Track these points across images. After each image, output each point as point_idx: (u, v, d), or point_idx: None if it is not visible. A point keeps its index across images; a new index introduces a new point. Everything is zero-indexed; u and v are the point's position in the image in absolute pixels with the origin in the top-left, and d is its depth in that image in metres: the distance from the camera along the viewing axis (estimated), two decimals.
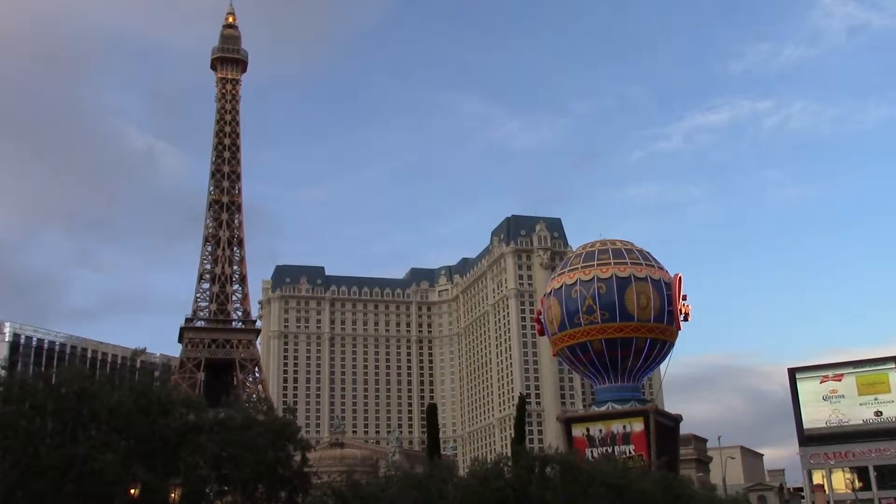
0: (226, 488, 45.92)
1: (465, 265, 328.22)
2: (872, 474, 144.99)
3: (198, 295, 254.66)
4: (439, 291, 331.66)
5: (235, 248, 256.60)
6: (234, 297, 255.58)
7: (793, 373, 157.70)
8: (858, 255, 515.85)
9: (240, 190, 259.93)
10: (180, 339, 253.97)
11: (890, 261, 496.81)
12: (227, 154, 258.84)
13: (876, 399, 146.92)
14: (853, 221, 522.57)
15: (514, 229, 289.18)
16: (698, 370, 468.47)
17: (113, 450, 33.58)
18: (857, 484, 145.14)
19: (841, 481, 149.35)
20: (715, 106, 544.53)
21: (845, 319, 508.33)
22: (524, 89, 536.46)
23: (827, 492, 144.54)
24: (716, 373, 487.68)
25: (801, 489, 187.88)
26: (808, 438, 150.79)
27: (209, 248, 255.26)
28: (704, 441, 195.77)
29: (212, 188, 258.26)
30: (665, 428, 77.45)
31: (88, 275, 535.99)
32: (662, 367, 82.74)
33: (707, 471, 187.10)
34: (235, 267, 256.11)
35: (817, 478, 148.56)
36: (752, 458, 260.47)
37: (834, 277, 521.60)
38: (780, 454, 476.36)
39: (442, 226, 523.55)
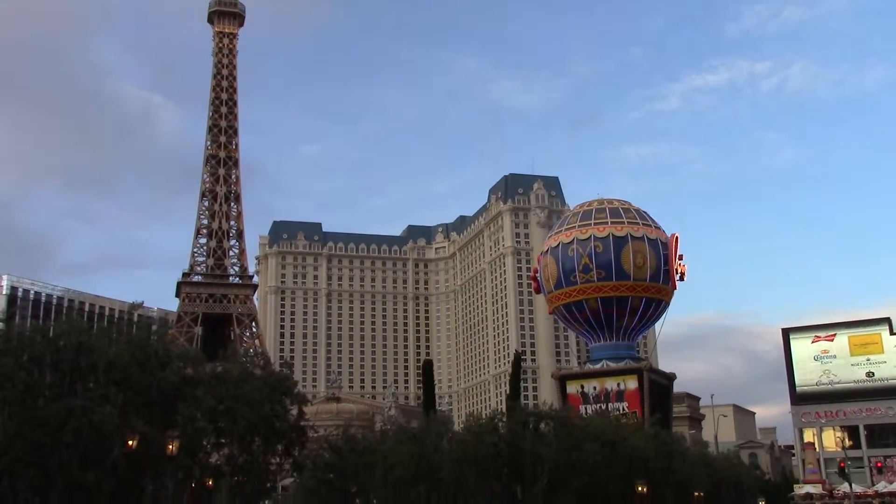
0: (223, 441, 46.25)
1: (462, 223, 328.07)
2: (863, 433, 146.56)
3: (195, 250, 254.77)
4: (436, 249, 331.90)
5: (232, 203, 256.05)
6: (231, 253, 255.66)
7: (786, 333, 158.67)
8: (854, 217, 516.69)
9: (237, 145, 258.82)
10: (177, 294, 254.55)
11: (886, 223, 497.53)
12: (224, 108, 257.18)
13: (868, 360, 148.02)
14: (850, 184, 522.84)
15: (512, 187, 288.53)
16: (692, 329, 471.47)
17: (111, 402, 33.76)
18: (848, 442, 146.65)
19: (831, 440, 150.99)
20: (713, 67, 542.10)
21: (839, 280, 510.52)
22: (523, 49, 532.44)
23: (817, 450, 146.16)
24: (710, 332, 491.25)
25: (791, 447, 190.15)
26: (800, 397, 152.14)
27: (206, 204, 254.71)
28: (697, 399, 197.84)
29: (209, 143, 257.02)
30: (658, 386, 78.06)
31: (86, 230, 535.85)
32: (657, 325, 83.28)
33: (699, 428, 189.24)
34: (232, 222, 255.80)
35: (808, 436, 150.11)
36: (743, 416, 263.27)
37: (829, 239, 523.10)
38: (772, 413, 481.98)
39: (439, 183, 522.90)
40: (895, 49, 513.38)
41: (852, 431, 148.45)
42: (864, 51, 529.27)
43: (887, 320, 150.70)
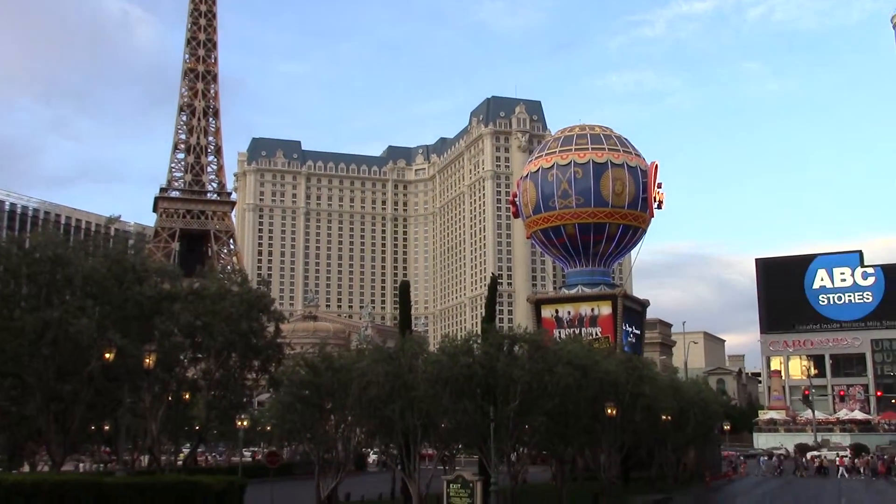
0: (199, 356, 46.58)
1: (442, 145, 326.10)
2: (828, 362, 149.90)
3: (172, 165, 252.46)
4: (416, 170, 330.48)
5: (211, 119, 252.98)
6: (209, 169, 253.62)
7: (760, 263, 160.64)
8: (833, 151, 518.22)
9: (216, 59, 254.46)
10: (155, 209, 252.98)
11: (864, 158, 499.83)
12: (202, 21, 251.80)
13: (837, 291, 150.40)
14: (830, 117, 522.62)
15: (494, 111, 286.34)
16: (668, 258, 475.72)
17: (88, 315, 33.74)
18: (813, 371, 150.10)
19: (797, 368, 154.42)
20: None
21: (815, 213, 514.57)
22: None
23: (783, 377, 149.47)
24: (684, 261, 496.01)
25: (758, 374, 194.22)
26: (769, 326, 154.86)
27: (184, 118, 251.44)
28: (669, 326, 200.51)
29: (187, 56, 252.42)
30: (632, 312, 78.98)
31: (63, 143, 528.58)
32: (633, 253, 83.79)
33: (670, 354, 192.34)
34: (211, 138, 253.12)
35: (775, 364, 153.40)
36: (714, 343, 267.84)
37: (805, 171, 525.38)
38: (742, 341, 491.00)
39: (421, 105, 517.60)
40: None
41: (818, 360, 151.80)
42: None
43: (859, 253, 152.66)
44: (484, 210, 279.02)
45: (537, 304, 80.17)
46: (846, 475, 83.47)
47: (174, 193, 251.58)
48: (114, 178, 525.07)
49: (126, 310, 37.17)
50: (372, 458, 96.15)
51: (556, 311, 77.46)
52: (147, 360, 35.63)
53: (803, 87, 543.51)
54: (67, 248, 37.63)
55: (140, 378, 38.53)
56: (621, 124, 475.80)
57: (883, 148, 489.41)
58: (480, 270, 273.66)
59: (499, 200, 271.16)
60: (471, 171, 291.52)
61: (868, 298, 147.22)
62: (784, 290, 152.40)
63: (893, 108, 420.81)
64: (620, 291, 76.86)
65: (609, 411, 49.48)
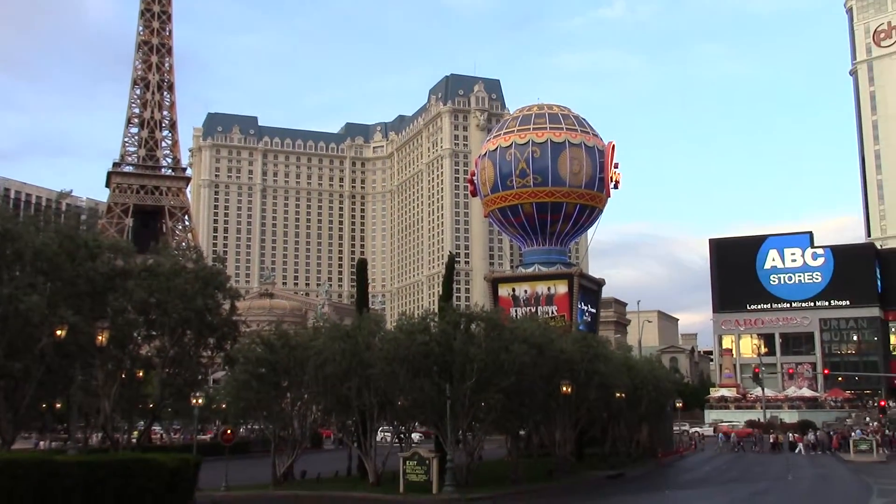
0: (154, 333, 46.10)
1: (401, 122, 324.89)
2: (778, 341, 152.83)
3: (126, 140, 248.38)
4: (374, 147, 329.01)
5: (165, 93, 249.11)
6: (163, 144, 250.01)
7: (713, 243, 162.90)
8: (787, 133, 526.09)
9: (171, 31, 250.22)
10: (108, 184, 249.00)
11: (817, 140, 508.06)
12: None
13: (788, 271, 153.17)
14: (784, 99, 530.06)
15: (453, 88, 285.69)
16: (624, 238, 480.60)
17: (39, 292, 33.16)
18: (763, 349, 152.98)
19: (748, 347, 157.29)
20: None
21: (769, 195, 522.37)
22: None
23: (734, 355, 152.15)
24: (640, 241, 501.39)
25: (710, 353, 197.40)
26: (722, 305, 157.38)
27: (138, 92, 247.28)
28: (624, 305, 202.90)
29: (141, 28, 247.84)
30: (588, 291, 79.71)
31: (10, 116, 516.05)
32: (589, 232, 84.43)
33: (625, 333, 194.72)
34: (165, 112, 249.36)
35: (727, 343, 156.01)
36: (667, 322, 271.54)
37: (760, 153, 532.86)
38: (695, 320, 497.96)
39: (379, 82, 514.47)
40: None
41: (768, 339, 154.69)
42: None
43: (809, 234, 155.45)
44: (442, 188, 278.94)
45: (494, 282, 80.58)
46: (802, 452, 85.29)
47: (128, 168, 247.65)
48: (65, 153, 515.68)
49: (78, 286, 36.59)
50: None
51: (513, 290, 77.92)
52: (100, 338, 35.14)
53: (758, 68, 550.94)
54: (17, 222, 36.88)
55: (93, 355, 38.03)
56: (579, 104, 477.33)
57: (835, 130, 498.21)
58: (438, 249, 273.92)
59: (457, 179, 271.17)
60: (429, 149, 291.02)
61: (817, 279, 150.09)
62: (736, 270, 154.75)
63: (846, 90, 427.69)
64: (577, 271, 77.51)
65: (564, 389, 50.00)
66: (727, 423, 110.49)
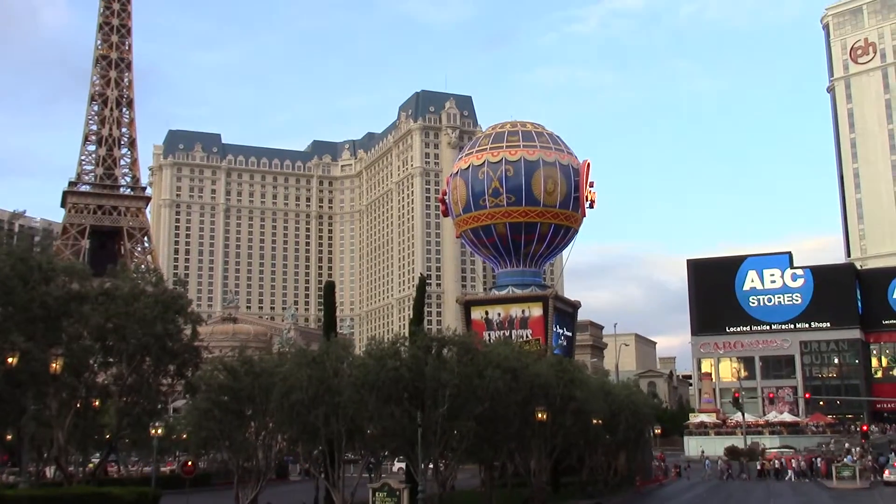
0: (111, 360, 45.54)
1: (370, 140, 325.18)
2: (758, 365, 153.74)
3: (83, 158, 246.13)
4: (342, 166, 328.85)
5: (124, 109, 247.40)
6: (122, 162, 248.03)
7: (691, 264, 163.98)
8: (764, 152, 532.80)
9: (130, 45, 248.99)
10: (63, 204, 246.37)
11: (795, 159, 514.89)
12: (116, 5, 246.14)
13: (767, 293, 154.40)
14: (761, 118, 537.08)
15: (423, 105, 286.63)
16: (599, 259, 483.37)
17: None
18: (743, 373, 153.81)
19: (728, 370, 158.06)
20: None
21: (745, 214, 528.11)
22: None
23: (714, 380, 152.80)
24: (616, 262, 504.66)
25: (689, 377, 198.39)
26: (700, 328, 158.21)
27: (96, 108, 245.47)
28: (601, 328, 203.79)
29: (99, 42, 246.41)
30: (563, 313, 79.92)
31: None
32: (564, 253, 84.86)
33: (601, 357, 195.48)
34: (124, 129, 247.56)
35: (706, 366, 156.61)
36: (645, 345, 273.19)
37: (738, 172, 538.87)
38: (673, 343, 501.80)
39: (347, 98, 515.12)
40: None
41: (748, 363, 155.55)
42: None
43: (788, 254, 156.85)
44: (412, 208, 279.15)
45: (467, 305, 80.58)
46: (793, 478, 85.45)
47: (84, 188, 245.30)
48: (17, 171, 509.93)
49: (31, 311, 36.11)
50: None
51: (486, 313, 77.94)
52: (54, 365, 34.66)
53: (735, 85, 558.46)
54: None
55: (46, 384, 37.47)
56: (553, 121, 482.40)
57: (813, 148, 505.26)
58: (408, 270, 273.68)
59: (428, 198, 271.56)
60: (399, 167, 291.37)
61: (797, 300, 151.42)
62: (715, 291, 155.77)
63: (823, 108, 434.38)
64: (551, 293, 77.72)
65: (539, 415, 49.92)
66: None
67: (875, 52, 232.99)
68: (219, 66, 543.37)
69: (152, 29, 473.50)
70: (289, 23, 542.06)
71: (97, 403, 46.21)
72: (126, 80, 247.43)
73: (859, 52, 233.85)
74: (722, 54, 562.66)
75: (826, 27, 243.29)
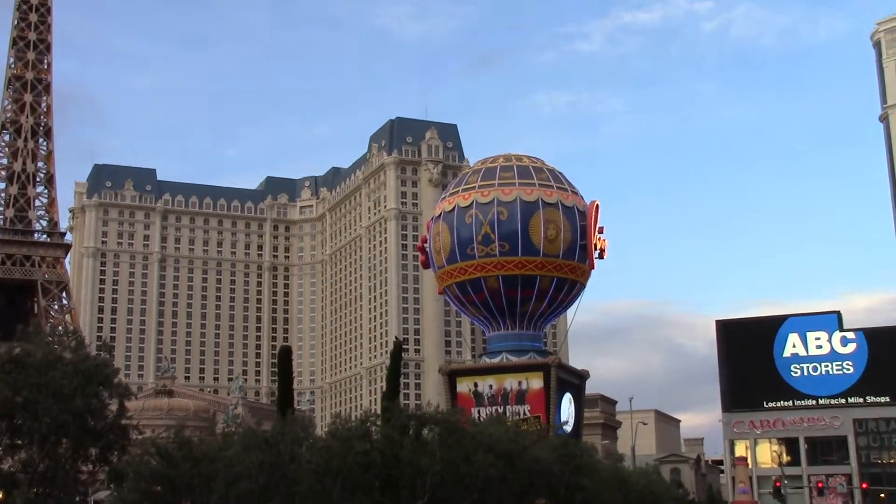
0: (19, 442, 45.31)
1: (335, 177, 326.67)
2: (803, 447, 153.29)
3: None
4: (301, 207, 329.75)
5: (41, 140, 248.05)
6: (37, 202, 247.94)
7: (721, 325, 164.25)
8: (803, 192, 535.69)
9: (49, 65, 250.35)
10: None
11: (839, 202, 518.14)
12: (33, 16, 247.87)
13: (812, 360, 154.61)
14: (799, 151, 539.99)
15: (399, 135, 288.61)
16: (611, 319, 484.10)
17: None
18: (785, 458, 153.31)
19: (767, 453, 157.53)
20: (646, 3, 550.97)
21: (782, 266, 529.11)
22: None
23: (750, 465, 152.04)
24: (631, 323, 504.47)
25: (720, 462, 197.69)
26: (733, 403, 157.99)
27: (6, 138, 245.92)
28: (613, 403, 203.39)
29: (12, 60, 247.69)
30: (568, 385, 79.89)
31: None
32: (569, 312, 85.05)
33: (614, 438, 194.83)
34: (41, 163, 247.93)
35: (740, 449, 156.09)
36: (667, 424, 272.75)
37: (771, 217, 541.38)
38: (700, 421, 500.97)
39: (308, 128, 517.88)
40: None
41: (791, 445, 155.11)
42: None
43: (837, 314, 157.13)
44: (386, 258, 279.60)
45: (451, 375, 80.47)
46: None
47: None
48: None
49: None
50: None
51: (476, 385, 77.87)
52: None
53: (765, 114, 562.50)
54: None
55: None
56: (553, 154, 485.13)
57: (864, 188, 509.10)
58: (381, 334, 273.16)
59: (405, 246, 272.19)
60: (370, 209, 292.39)
61: (849, 369, 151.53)
62: (750, 358, 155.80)
63: (876, 139, 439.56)
64: (554, 360, 77.79)
65: None
66: None
67: None
68: (155, 89, 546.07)
69: (77, 46, 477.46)
70: (240, 40, 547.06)
71: (1, 495, 45.87)
72: (44, 104, 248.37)
73: None
74: (751, 77, 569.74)
75: (877, 45, 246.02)
